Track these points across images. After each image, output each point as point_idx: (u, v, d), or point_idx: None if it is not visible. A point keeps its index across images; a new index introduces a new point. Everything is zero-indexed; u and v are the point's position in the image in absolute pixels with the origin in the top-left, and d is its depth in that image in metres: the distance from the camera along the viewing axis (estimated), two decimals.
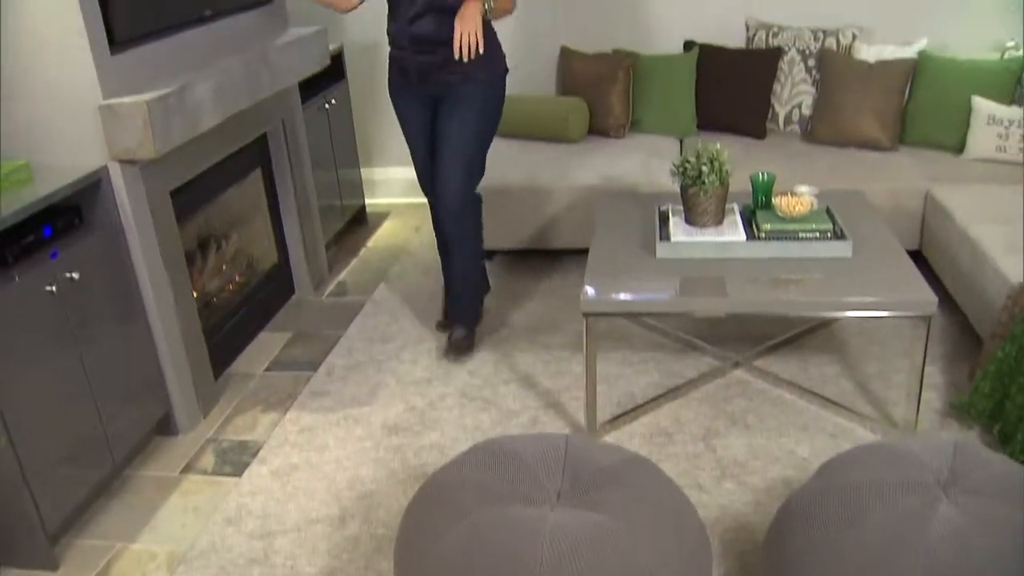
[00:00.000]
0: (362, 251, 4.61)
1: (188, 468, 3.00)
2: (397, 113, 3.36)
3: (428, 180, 3.43)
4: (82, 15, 2.62)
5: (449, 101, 3.18)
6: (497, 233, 4.09)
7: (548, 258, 4.23)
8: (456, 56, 2.88)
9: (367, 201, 5.10)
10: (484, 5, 2.93)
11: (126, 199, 2.84)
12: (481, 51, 2.87)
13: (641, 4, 4.58)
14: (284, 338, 3.78)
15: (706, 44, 4.45)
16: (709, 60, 4.41)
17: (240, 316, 3.73)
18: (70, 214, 2.78)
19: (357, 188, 4.89)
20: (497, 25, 4.56)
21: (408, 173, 5.13)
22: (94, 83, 2.68)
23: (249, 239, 3.88)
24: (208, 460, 3.03)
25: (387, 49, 3.30)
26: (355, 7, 3.22)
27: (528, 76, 4.72)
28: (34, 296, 2.53)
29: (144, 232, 2.92)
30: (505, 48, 4.70)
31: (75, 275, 2.65)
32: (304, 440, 3.05)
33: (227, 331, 3.61)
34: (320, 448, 3.00)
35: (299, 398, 3.31)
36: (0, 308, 2.41)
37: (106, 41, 2.72)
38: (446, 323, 3.65)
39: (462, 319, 3.50)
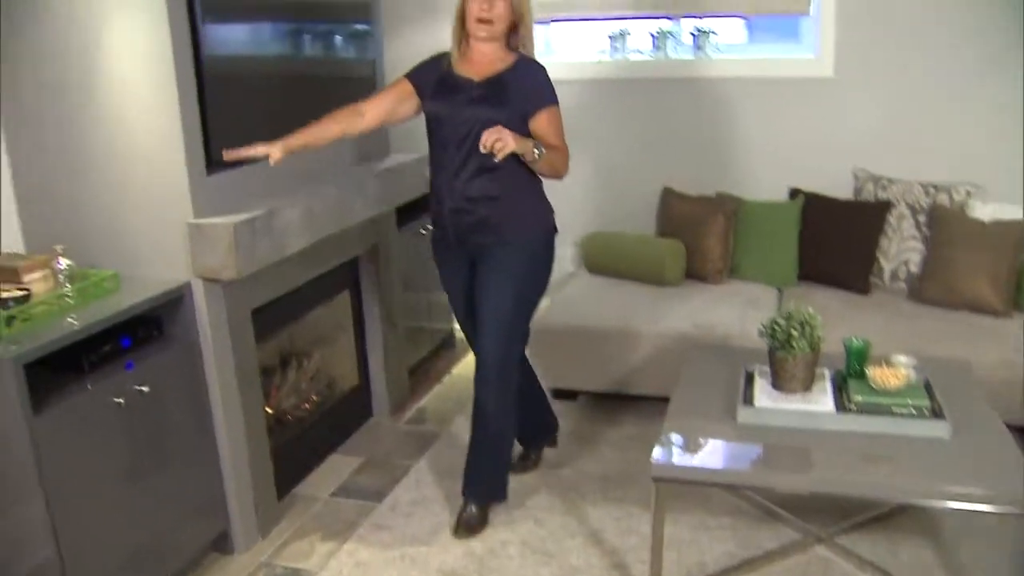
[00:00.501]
0: (445, 378, 4.56)
1: None
2: (438, 269, 3.20)
3: (471, 336, 3.22)
4: (183, 135, 2.70)
5: (486, 265, 2.98)
6: (581, 373, 4.00)
7: (631, 403, 4.08)
8: (480, 146, 2.70)
9: (456, 326, 5.07)
10: (534, 149, 2.79)
11: (206, 316, 2.86)
12: (497, 158, 2.69)
13: (747, 149, 4.52)
14: (355, 463, 3.71)
15: (812, 193, 4.34)
16: (814, 210, 4.30)
17: (314, 436, 3.69)
18: (150, 326, 2.82)
19: (447, 313, 4.86)
20: (597, 159, 4.56)
21: None
22: (187, 201, 2.74)
23: (331, 358, 3.88)
24: None
25: None
26: (358, 132, 3.04)
27: (628, 214, 4.68)
28: (102, 406, 2.54)
29: (220, 349, 2.93)
30: (606, 185, 4.73)
31: (145, 388, 2.66)
32: (359, 574, 2.95)
33: (299, 450, 3.57)
34: None
35: (359, 529, 3.21)
36: (68, 415, 2.43)
37: (204, 162, 2.79)
38: (523, 461, 3.53)
39: (477, 494, 3.18)
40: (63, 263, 2.73)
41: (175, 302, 2.81)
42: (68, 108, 2.79)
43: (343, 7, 3.58)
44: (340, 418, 3.88)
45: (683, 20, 4.61)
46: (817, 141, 4.41)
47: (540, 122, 2.89)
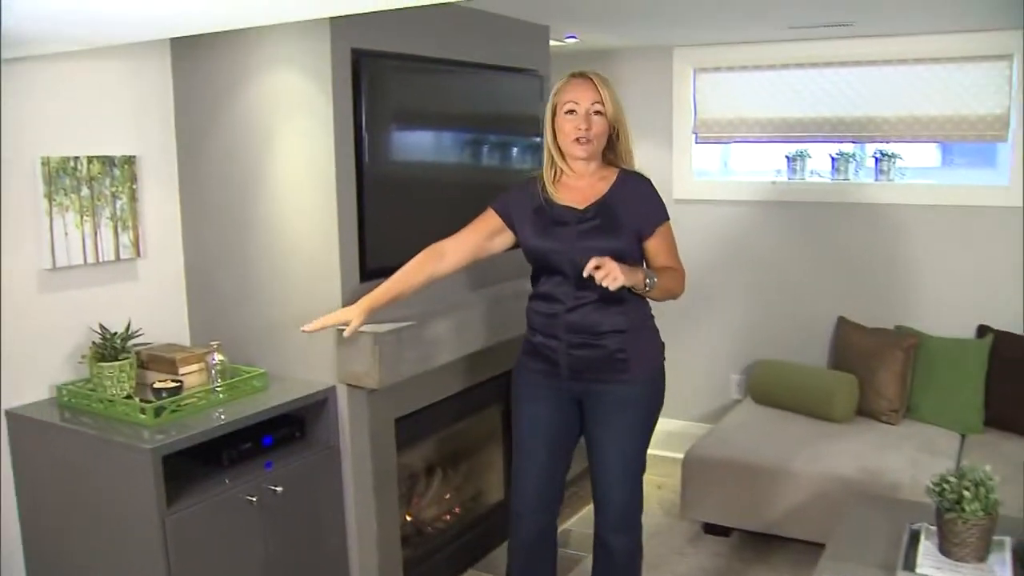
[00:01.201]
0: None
1: None
2: (521, 404, 2.81)
3: (536, 487, 2.84)
4: (339, 241, 2.77)
5: (604, 405, 2.69)
6: (736, 509, 3.76)
7: (787, 545, 3.79)
8: (585, 272, 2.43)
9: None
10: (645, 279, 2.52)
11: (347, 421, 2.87)
12: (607, 285, 2.40)
13: (931, 280, 4.23)
14: None
15: (1004, 332, 4.00)
16: (1006, 349, 3.95)
17: (451, 549, 3.60)
18: (293, 427, 2.84)
19: None
20: (768, 283, 4.38)
21: (665, 425, 4.85)
22: (337, 307, 2.77)
23: (478, 471, 3.81)
24: None
25: None
26: (445, 275, 2.78)
27: (798, 344, 4.46)
28: (235, 503, 2.55)
29: (359, 457, 2.92)
30: (776, 311, 4.52)
31: (279, 489, 2.66)
32: None
33: (434, 563, 3.49)
34: None
35: None
36: (200, 508, 2.46)
37: (358, 271, 2.83)
38: None
39: None
40: (216, 358, 2.81)
41: (319, 405, 2.83)
42: (236, 208, 2.92)
43: (510, 120, 3.62)
44: (480, 533, 3.77)
45: (866, 143, 4.42)
46: (1010, 275, 4.07)
47: (655, 243, 2.65)
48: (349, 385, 2.83)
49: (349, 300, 2.75)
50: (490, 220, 2.74)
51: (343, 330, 2.62)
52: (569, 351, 2.66)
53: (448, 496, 3.69)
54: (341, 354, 2.78)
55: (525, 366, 2.79)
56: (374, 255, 2.87)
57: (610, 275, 2.41)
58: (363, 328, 2.72)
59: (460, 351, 3.08)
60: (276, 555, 2.70)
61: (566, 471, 2.92)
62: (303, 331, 2.63)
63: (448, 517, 3.68)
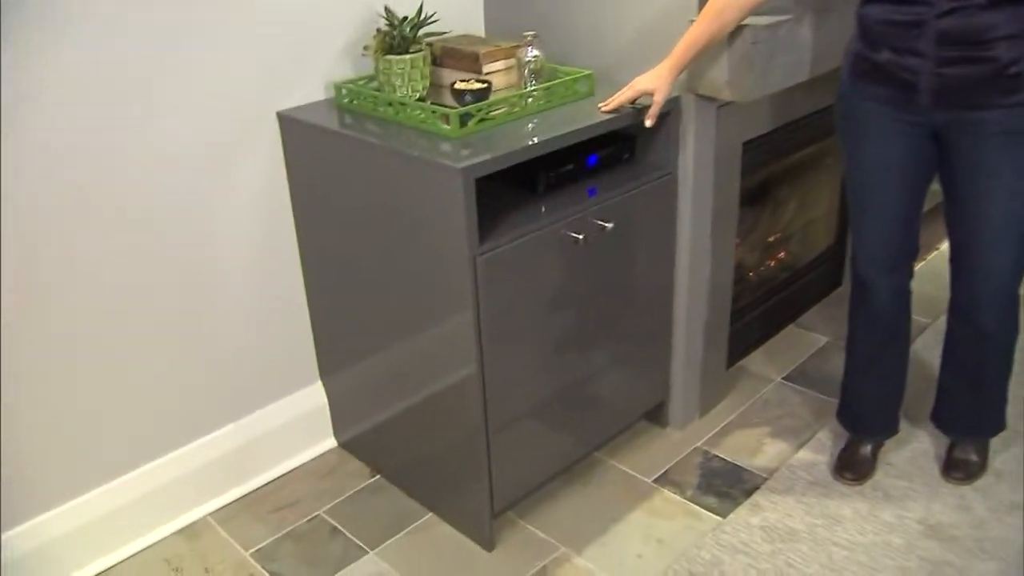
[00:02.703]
0: (932, 255, 3.65)
1: (665, 478, 2.45)
2: (859, 146, 2.13)
3: (886, 247, 2.23)
4: None
5: (984, 140, 1.95)
6: None
7: None
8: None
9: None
10: None
11: (691, 143, 2.26)
12: None
13: None
14: (816, 343, 3.04)
15: None
16: None
17: (773, 302, 3.05)
18: (621, 145, 2.27)
19: None
20: None
21: None
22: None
23: (808, 210, 3.16)
24: (691, 477, 2.45)
25: None
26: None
27: None
28: (556, 238, 2.05)
29: (700, 186, 2.33)
30: None
31: (608, 225, 2.13)
32: (814, 497, 2.34)
33: (754, 316, 2.96)
34: (832, 519, 2.27)
35: (819, 434, 2.58)
36: (518, 245, 1.96)
37: None
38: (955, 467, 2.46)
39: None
40: (532, 53, 2.22)
41: (658, 120, 2.21)
42: None
43: None
44: (805, 285, 3.19)
45: None
46: None
47: None
48: (698, 96, 2.19)
49: None
50: None
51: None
52: (938, 70, 1.91)
53: (773, 239, 3.09)
54: None
55: (861, 93, 2.08)
56: None
57: None
58: None
59: (830, 63, 2.33)
60: (595, 299, 2.22)
61: (919, 223, 2.24)
62: (601, 110, 2.10)
63: (772, 264, 3.10)
